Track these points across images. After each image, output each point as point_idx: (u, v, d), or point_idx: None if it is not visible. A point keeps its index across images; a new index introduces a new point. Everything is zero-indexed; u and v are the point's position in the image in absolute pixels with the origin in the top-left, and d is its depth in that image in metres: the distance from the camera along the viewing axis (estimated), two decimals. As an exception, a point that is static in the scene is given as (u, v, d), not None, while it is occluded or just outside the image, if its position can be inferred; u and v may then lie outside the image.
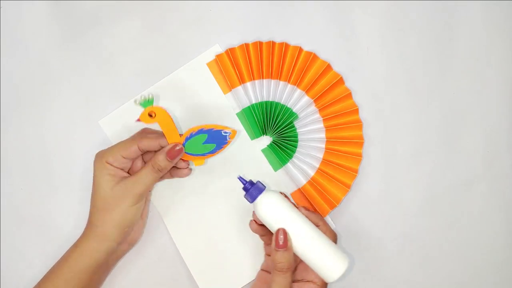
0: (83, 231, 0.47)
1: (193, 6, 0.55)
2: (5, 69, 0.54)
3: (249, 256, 0.52)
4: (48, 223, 0.53)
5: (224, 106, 0.53)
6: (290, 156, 0.52)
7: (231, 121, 0.53)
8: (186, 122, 0.53)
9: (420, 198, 0.55)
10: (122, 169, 0.47)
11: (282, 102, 0.53)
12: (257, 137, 0.53)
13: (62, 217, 0.53)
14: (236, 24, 0.55)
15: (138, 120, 0.46)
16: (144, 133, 0.48)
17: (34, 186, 0.53)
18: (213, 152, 0.48)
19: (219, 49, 0.54)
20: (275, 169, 0.53)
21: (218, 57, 0.53)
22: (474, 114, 0.56)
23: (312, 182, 0.51)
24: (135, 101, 0.45)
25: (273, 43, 0.53)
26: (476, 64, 0.56)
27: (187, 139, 0.47)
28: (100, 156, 0.47)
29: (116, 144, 0.47)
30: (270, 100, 0.53)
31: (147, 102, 0.45)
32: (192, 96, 0.53)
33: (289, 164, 0.52)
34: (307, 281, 0.46)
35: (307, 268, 0.46)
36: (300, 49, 0.53)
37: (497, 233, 0.55)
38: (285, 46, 0.53)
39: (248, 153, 0.53)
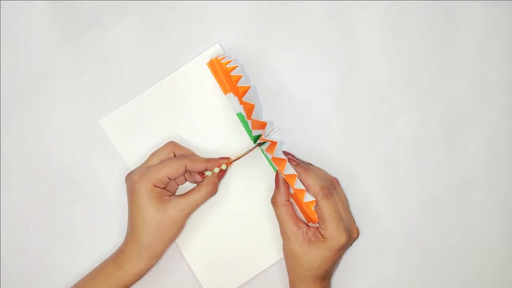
0: (126, 250, 0.47)
1: (193, 6, 0.55)
2: (5, 69, 0.54)
3: (250, 252, 0.53)
4: (48, 223, 0.53)
5: (225, 107, 0.53)
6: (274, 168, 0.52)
7: (232, 122, 0.53)
8: (188, 122, 0.53)
9: (420, 198, 0.55)
10: (164, 188, 0.49)
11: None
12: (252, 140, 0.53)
13: (62, 217, 0.53)
14: (236, 24, 0.55)
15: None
16: (185, 153, 0.50)
17: (34, 186, 0.53)
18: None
19: (219, 48, 0.54)
20: (275, 170, 0.53)
21: (208, 64, 0.53)
22: (475, 114, 0.56)
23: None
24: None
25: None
26: (476, 64, 0.56)
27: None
28: (146, 180, 0.47)
29: (159, 165, 0.48)
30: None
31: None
32: (193, 96, 0.53)
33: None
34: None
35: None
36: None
37: (497, 233, 0.55)
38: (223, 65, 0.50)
39: (251, 152, 0.53)
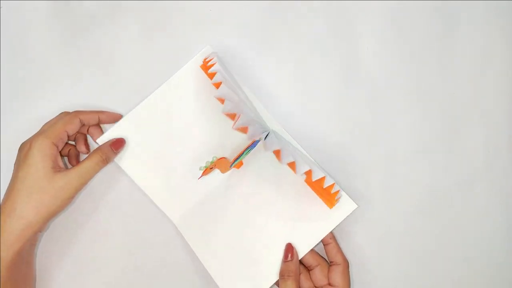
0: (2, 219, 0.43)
1: (193, 6, 0.55)
2: (5, 69, 0.54)
3: (274, 255, 0.50)
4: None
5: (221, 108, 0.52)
6: None
7: (231, 120, 0.52)
8: (186, 128, 0.52)
9: (420, 198, 0.55)
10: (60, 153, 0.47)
11: None
12: None
13: (62, 217, 0.53)
14: (236, 25, 0.55)
15: (201, 177, 0.50)
16: (80, 111, 0.50)
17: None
18: (249, 152, 0.50)
19: (210, 49, 0.53)
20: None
21: (201, 67, 0.52)
22: (475, 114, 0.55)
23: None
24: (200, 168, 0.50)
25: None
26: (476, 63, 0.56)
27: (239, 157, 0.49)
28: (44, 136, 0.45)
29: (54, 121, 0.48)
30: None
31: (210, 163, 0.49)
32: (192, 99, 0.52)
33: None
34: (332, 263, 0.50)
35: (330, 252, 0.50)
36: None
37: (497, 233, 0.55)
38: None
39: (260, 152, 0.52)
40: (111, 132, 0.51)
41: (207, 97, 0.52)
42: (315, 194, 0.51)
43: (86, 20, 0.54)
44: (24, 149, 0.45)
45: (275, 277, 0.50)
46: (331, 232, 0.51)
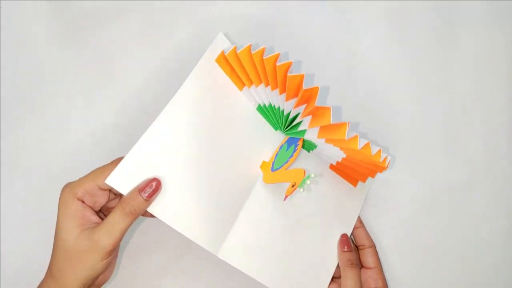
0: (43, 278, 0.41)
1: (193, 6, 0.55)
2: (5, 69, 0.54)
3: (322, 248, 0.50)
4: (48, 225, 0.53)
5: (242, 102, 0.48)
6: (312, 147, 0.50)
7: (253, 117, 0.48)
8: (207, 135, 0.45)
9: (420, 198, 0.55)
10: (92, 208, 0.40)
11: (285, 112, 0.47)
12: (277, 130, 0.50)
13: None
14: (236, 24, 0.55)
15: (286, 199, 0.46)
16: (120, 158, 0.41)
17: (34, 186, 0.53)
18: (293, 152, 0.48)
19: (223, 38, 0.47)
20: (308, 150, 0.50)
21: (217, 61, 0.46)
22: (475, 113, 0.56)
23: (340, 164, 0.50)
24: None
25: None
26: (476, 63, 0.56)
27: (275, 158, 0.47)
28: (70, 189, 0.39)
29: (89, 174, 0.40)
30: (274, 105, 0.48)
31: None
32: (210, 98, 0.45)
33: (315, 151, 0.50)
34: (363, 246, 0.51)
35: (361, 235, 0.51)
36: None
37: (497, 233, 0.55)
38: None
39: (276, 142, 0.49)
40: (120, 171, 0.39)
41: (225, 92, 0.47)
42: (338, 176, 0.51)
43: (87, 20, 0.54)
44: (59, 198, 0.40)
45: (332, 270, 0.49)
46: (359, 216, 0.52)
